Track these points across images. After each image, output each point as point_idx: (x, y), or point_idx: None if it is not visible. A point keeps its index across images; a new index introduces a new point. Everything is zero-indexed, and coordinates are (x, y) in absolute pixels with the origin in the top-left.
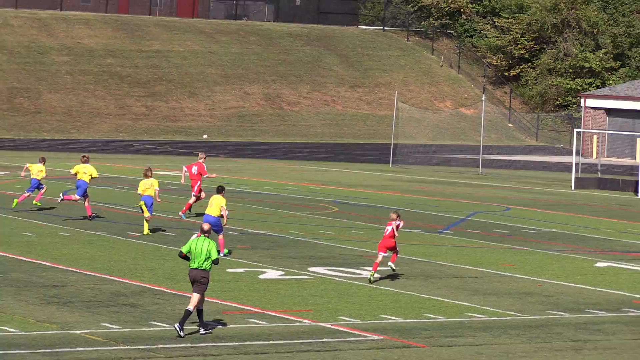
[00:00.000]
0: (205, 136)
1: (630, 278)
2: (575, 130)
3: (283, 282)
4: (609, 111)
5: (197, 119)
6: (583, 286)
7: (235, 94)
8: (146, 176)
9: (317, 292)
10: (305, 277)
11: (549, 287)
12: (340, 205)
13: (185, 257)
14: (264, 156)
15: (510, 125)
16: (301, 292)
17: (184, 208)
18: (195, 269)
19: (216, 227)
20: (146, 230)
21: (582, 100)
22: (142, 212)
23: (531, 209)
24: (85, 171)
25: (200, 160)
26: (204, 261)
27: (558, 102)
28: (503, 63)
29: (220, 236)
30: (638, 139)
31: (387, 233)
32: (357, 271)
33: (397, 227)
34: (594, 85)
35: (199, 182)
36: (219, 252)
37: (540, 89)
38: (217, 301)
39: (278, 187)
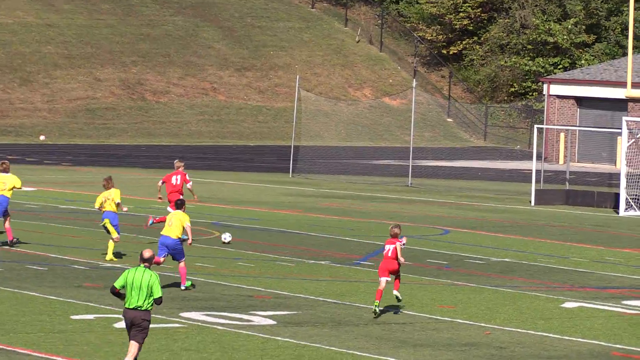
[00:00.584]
0: (42, 137)
1: (608, 323)
2: (535, 126)
3: None
4: (581, 101)
5: (31, 115)
6: (546, 334)
7: (82, 81)
8: (106, 187)
9: (191, 345)
10: (176, 325)
11: (501, 335)
12: (223, 228)
13: (119, 295)
14: (121, 164)
15: (449, 120)
16: (171, 346)
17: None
18: (133, 309)
19: (176, 251)
20: (110, 255)
21: (545, 86)
22: (108, 232)
23: (477, 232)
24: (6, 182)
25: (180, 169)
26: (145, 299)
27: (513, 90)
28: (440, 37)
29: (182, 264)
30: (619, 138)
31: (390, 253)
32: (246, 317)
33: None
34: (561, 66)
35: (181, 196)
36: (183, 283)
37: (490, 72)
38: (57, 359)
39: (139, 205)
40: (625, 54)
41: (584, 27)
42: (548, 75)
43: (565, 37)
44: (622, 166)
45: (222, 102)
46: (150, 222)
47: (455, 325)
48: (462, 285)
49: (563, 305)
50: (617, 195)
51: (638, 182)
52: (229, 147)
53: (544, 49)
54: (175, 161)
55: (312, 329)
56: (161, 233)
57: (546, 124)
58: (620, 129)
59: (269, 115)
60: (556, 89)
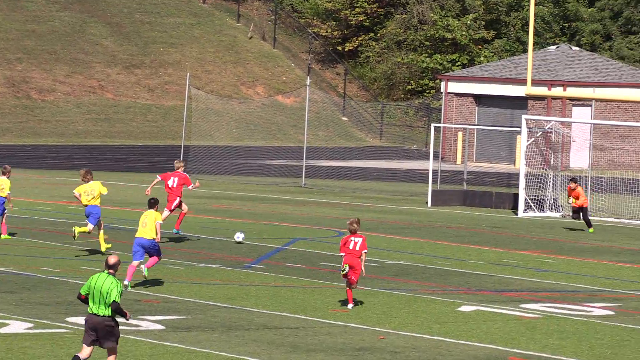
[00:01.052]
0: None
1: (506, 327)
2: (432, 125)
3: (32, 338)
4: (479, 99)
5: None
6: (442, 338)
7: None
8: (86, 180)
9: (77, 350)
10: (63, 330)
11: (396, 339)
12: (110, 231)
13: (85, 301)
14: (5, 163)
15: (344, 119)
16: (57, 351)
17: (177, 222)
18: (95, 314)
19: (153, 251)
20: (104, 246)
21: (443, 83)
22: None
23: (372, 233)
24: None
25: (180, 170)
26: (105, 306)
27: (410, 87)
28: (335, 34)
29: (155, 258)
30: (518, 137)
31: (357, 247)
32: (134, 322)
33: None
34: (459, 63)
35: (178, 198)
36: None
37: (386, 69)
38: None
39: (25, 208)
40: (525, 51)
41: (483, 22)
42: (446, 72)
43: (464, 33)
44: (521, 166)
45: (110, 101)
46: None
47: (349, 330)
48: (356, 289)
49: (459, 308)
50: (516, 195)
51: (538, 182)
52: (117, 146)
53: (442, 45)
54: (175, 161)
55: (202, 334)
56: (135, 235)
57: (444, 123)
58: (520, 127)
59: (159, 114)
60: (454, 87)
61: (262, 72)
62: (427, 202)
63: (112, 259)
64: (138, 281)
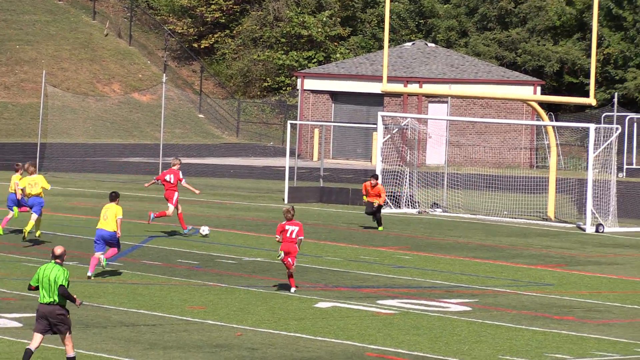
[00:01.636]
0: None
1: (362, 323)
2: (289, 122)
3: None
4: (335, 95)
5: None
6: (299, 334)
7: None
8: (30, 172)
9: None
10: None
11: (253, 336)
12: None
13: (37, 290)
14: None
15: (201, 116)
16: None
17: (181, 223)
18: (46, 304)
19: (113, 243)
20: (35, 229)
21: (299, 80)
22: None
23: (229, 230)
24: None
25: (175, 167)
26: (55, 294)
27: (267, 84)
28: (191, 31)
29: (115, 249)
30: (375, 133)
31: (294, 235)
32: None
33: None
34: (315, 60)
35: (176, 193)
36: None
37: (242, 66)
38: None
39: None
40: (381, 47)
41: (339, 19)
42: (302, 69)
43: (319, 30)
44: (377, 163)
45: None
46: (152, 216)
47: (206, 327)
48: (214, 286)
49: (316, 305)
50: None
51: (394, 179)
52: None
53: (298, 42)
54: (172, 159)
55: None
56: (97, 227)
57: (300, 120)
58: (376, 124)
59: (15, 111)
60: (310, 84)
61: (118, 70)
62: (283, 199)
63: (59, 250)
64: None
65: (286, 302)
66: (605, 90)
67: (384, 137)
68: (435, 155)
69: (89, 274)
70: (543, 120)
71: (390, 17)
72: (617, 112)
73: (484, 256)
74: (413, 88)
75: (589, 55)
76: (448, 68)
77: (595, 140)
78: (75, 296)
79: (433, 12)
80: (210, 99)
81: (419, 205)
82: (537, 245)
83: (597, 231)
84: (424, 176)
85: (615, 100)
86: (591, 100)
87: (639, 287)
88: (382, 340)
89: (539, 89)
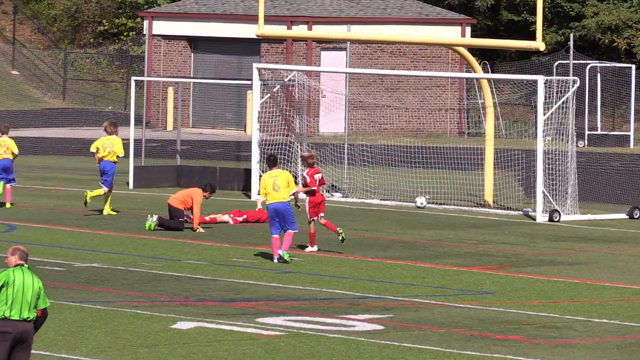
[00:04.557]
0: None
1: (237, 349)
2: (133, 78)
3: None
4: (195, 42)
5: None
6: None
7: None
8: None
9: None
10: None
11: None
12: None
13: None
14: None
15: (15, 72)
16: None
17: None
18: (22, 321)
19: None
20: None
21: (146, 23)
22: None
23: (54, 227)
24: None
25: None
26: (33, 309)
27: (103, 29)
28: None
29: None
30: (249, 93)
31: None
32: None
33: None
34: None
35: None
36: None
37: (69, 5)
38: None
39: None
40: None
41: None
42: (150, 7)
43: None
44: (253, 132)
45: None
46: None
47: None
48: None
49: (175, 325)
50: (249, 172)
51: (278, 154)
52: None
53: None
54: None
55: None
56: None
57: (148, 76)
58: (251, 80)
59: None
60: (162, 27)
61: None
62: (128, 183)
63: (23, 250)
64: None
65: (133, 322)
66: (558, 31)
67: (261, 98)
68: (332, 121)
69: (280, 252)
70: (475, 71)
71: None
72: (574, 59)
73: (399, 256)
74: (300, 30)
75: None
76: (346, 4)
77: (546, 98)
78: None
79: None
80: (26, 50)
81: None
82: (472, 240)
83: (551, 220)
84: (317, 149)
85: (571, 43)
86: (539, 44)
87: (608, 294)
88: None
89: (468, 29)
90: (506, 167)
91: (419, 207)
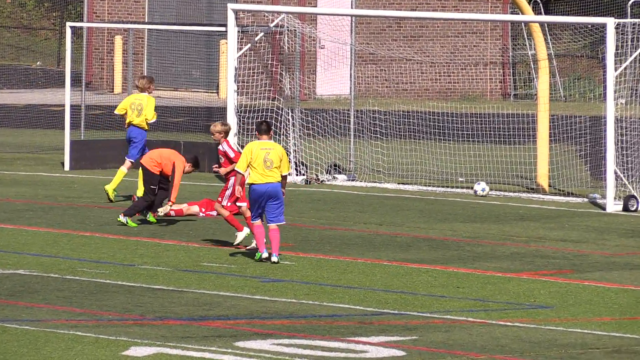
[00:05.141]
0: None
1: None
2: (68, 24)
3: None
4: None
5: None
6: None
7: None
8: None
9: None
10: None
11: None
12: None
13: None
14: None
15: None
16: None
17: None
18: None
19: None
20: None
21: None
22: None
23: None
24: None
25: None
26: None
27: None
28: None
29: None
30: (223, 43)
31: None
32: None
33: None
34: None
35: None
36: None
37: None
38: None
39: None
40: None
41: None
42: None
43: None
44: (229, 95)
45: None
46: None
47: None
48: None
49: (127, 352)
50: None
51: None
52: None
53: None
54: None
55: None
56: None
57: (89, 21)
58: (225, 26)
59: None
60: None
61: None
62: (62, 164)
63: None
64: None
65: (72, 347)
66: None
67: (239, 50)
68: (333, 80)
69: None
70: (523, 13)
71: None
72: None
73: (425, 258)
74: None
75: None
76: None
77: (617, 48)
78: None
79: None
80: None
81: (306, 170)
82: (521, 237)
83: (626, 209)
84: (315, 118)
85: None
86: None
87: None
88: None
89: None
90: (566, 139)
91: (479, 196)
